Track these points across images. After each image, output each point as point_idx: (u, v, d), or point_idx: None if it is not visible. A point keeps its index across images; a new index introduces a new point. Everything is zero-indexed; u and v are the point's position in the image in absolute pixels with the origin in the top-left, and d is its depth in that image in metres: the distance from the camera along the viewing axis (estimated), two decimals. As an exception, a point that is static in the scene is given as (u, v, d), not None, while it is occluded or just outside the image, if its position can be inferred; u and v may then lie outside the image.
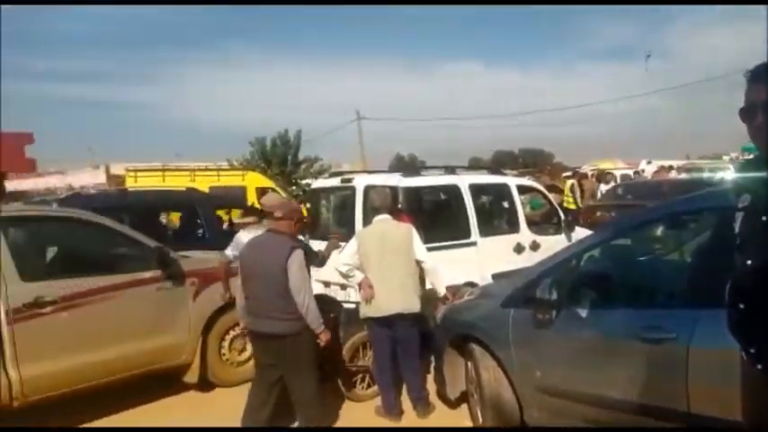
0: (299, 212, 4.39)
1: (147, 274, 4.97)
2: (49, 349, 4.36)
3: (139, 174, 14.84)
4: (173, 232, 8.61)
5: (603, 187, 14.91)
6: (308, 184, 23.92)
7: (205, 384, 5.38)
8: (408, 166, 51.85)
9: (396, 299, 4.51)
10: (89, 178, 23.12)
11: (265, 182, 16.66)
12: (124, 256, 5.09)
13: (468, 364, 4.35)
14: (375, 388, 5.10)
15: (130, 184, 14.02)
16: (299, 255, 3.95)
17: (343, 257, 4.67)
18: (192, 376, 5.26)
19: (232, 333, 5.50)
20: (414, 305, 4.57)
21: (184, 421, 4.74)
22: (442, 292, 4.80)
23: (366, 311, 4.61)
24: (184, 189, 9.20)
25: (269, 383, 4.11)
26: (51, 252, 5.13)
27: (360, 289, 4.65)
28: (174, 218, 9.74)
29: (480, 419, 4.18)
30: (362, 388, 5.07)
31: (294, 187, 23.54)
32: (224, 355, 5.47)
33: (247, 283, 4.09)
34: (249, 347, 5.28)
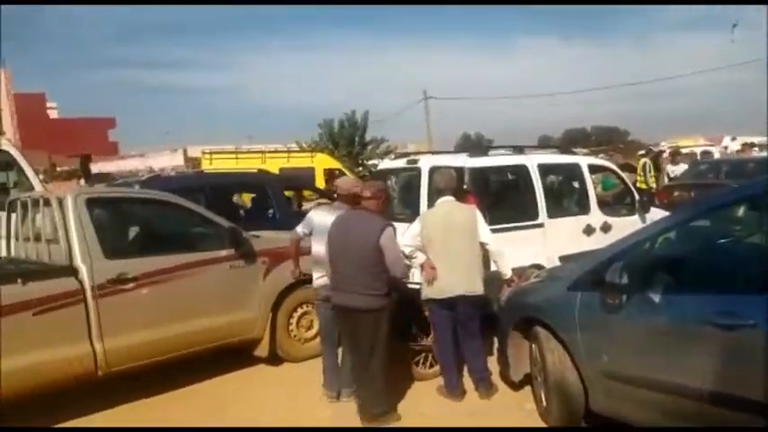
0: (384, 191, 4.61)
1: (222, 253, 5.19)
2: (131, 323, 4.65)
3: (214, 156, 15.45)
4: (244, 212, 8.90)
5: (671, 168, 13.81)
6: (375, 165, 24.11)
7: (274, 358, 5.58)
8: (475, 145, 51.10)
9: (459, 280, 4.49)
10: (168, 161, 24.25)
11: (333, 163, 16.93)
12: (200, 236, 5.33)
13: (533, 346, 4.30)
14: (437, 367, 5.15)
15: (206, 166, 14.63)
16: (390, 231, 4.17)
17: (406, 239, 4.66)
18: (262, 350, 5.47)
19: (300, 310, 5.67)
20: (477, 287, 4.54)
21: (258, 393, 4.98)
22: (507, 274, 4.76)
23: (428, 293, 4.61)
24: (256, 171, 9.49)
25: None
26: (133, 231, 5.44)
27: (422, 270, 4.65)
28: (246, 198, 10.07)
29: (544, 402, 4.15)
30: (424, 367, 5.11)
31: (360, 168, 23.76)
32: (292, 331, 5.65)
33: (335, 260, 4.31)
34: (316, 325, 5.43)
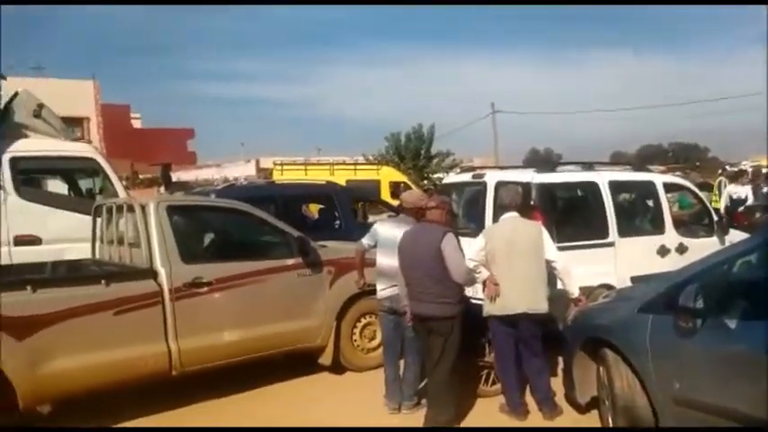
0: (448, 204, 4.70)
1: (290, 261, 5.35)
2: (204, 326, 4.86)
3: (285, 167, 15.92)
4: (312, 222, 9.12)
5: (733, 189, 11.75)
6: (440, 179, 24.11)
7: (338, 367, 5.66)
8: (544, 160, 50.07)
9: (522, 298, 4.44)
10: (241, 171, 25.17)
11: (399, 176, 17.06)
12: (270, 244, 5.52)
13: (600, 369, 4.18)
14: (499, 385, 5.08)
15: (277, 176, 15.07)
16: (451, 237, 4.29)
17: (471, 254, 4.61)
18: (326, 359, 5.58)
19: (363, 321, 5.75)
20: (541, 305, 4.48)
21: (320, 401, 5.07)
22: (574, 293, 4.66)
23: (490, 309, 4.57)
24: (324, 182, 9.71)
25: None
26: (208, 237, 5.70)
27: (484, 287, 4.62)
28: (313, 209, 10.31)
29: (611, 425, 4.01)
30: (486, 384, 5.05)
31: (426, 181, 23.80)
32: (355, 341, 5.74)
33: (406, 271, 4.43)
34: (378, 336, 5.49)
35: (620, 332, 3.92)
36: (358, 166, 17.08)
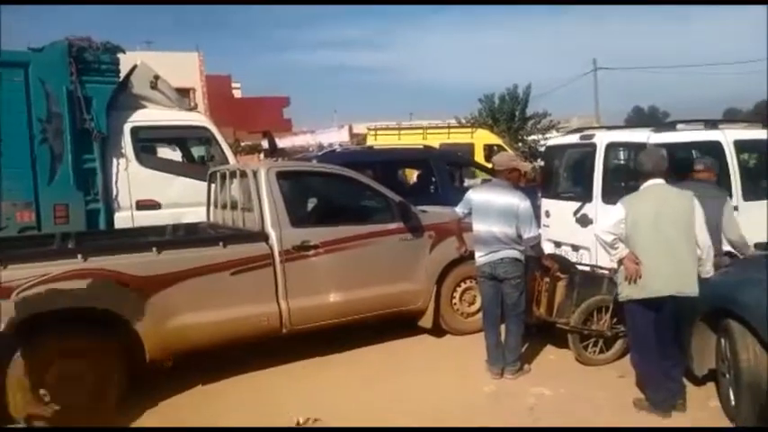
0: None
1: (392, 226, 5.41)
2: (312, 287, 5.03)
3: (379, 132, 15.99)
4: (409, 187, 9.15)
5: None
6: (535, 141, 23.31)
7: (438, 330, 5.72)
8: (649, 119, 46.99)
9: (670, 278, 3.89)
10: (335, 137, 25.54)
11: (493, 139, 16.68)
12: (373, 209, 5.61)
13: (722, 340, 3.95)
14: (609, 354, 4.94)
15: (371, 141, 15.19)
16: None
17: (608, 226, 4.10)
18: (426, 321, 5.64)
19: (464, 285, 5.75)
20: (692, 286, 3.90)
21: (420, 364, 5.16)
22: (709, 272, 4.06)
23: (630, 292, 4.02)
24: (421, 147, 9.68)
25: None
26: (314, 202, 5.86)
27: (619, 265, 4.10)
28: (410, 174, 10.33)
29: (732, 401, 3.81)
30: (594, 352, 4.95)
31: (520, 144, 23.11)
32: (455, 305, 5.75)
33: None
34: (478, 301, 5.46)
35: (748, 302, 3.67)
36: (451, 130, 16.86)
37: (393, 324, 5.69)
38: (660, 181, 4.06)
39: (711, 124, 6.02)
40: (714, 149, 5.76)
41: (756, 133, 6.28)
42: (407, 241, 5.48)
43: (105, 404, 4.18)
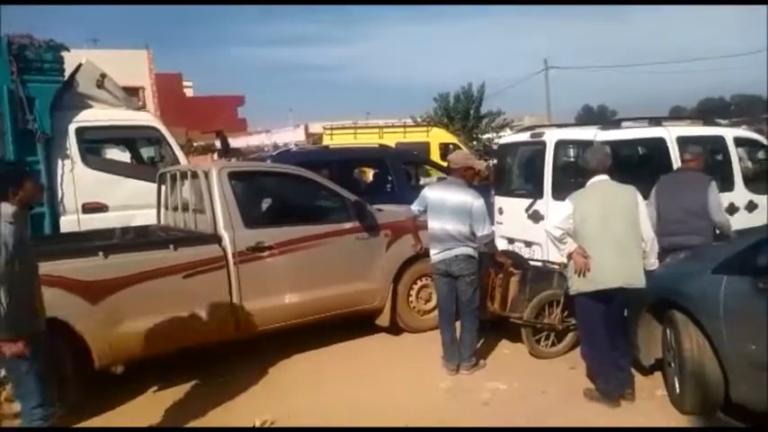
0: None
1: (348, 225, 5.40)
2: (267, 288, 4.97)
3: (335, 132, 15.95)
4: (365, 186, 9.15)
5: None
6: (490, 139, 23.67)
7: (395, 329, 5.74)
8: (598, 117, 48.36)
9: (618, 270, 3.97)
10: (290, 136, 25.35)
11: (449, 137, 16.84)
12: (328, 208, 5.58)
13: (667, 331, 4.09)
14: (560, 346, 5.06)
15: (327, 141, 15.13)
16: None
17: (557, 221, 4.20)
18: (383, 320, 5.65)
19: (420, 283, 5.78)
20: (639, 279, 4.00)
21: (378, 361, 5.17)
22: (654, 264, 4.17)
23: (579, 286, 4.09)
24: (377, 146, 9.70)
25: None
26: (268, 203, 5.80)
27: (569, 259, 4.16)
28: (366, 173, 10.33)
29: (677, 390, 3.95)
30: (546, 345, 5.07)
31: (475, 142, 23.42)
32: (411, 303, 5.78)
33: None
34: (434, 298, 5.51)
35: (691, 294, 3.82)
36: (407, 129, 16.94)
37: (350, 324, 5.68)
38: (605, 177, 4.17)
39: (655, 122, 6.22)
40: (658, 146, 5.97)
41: (698, 130, 6.54)
42: (363, 240, 5.48)
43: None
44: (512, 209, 6.67)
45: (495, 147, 19.16)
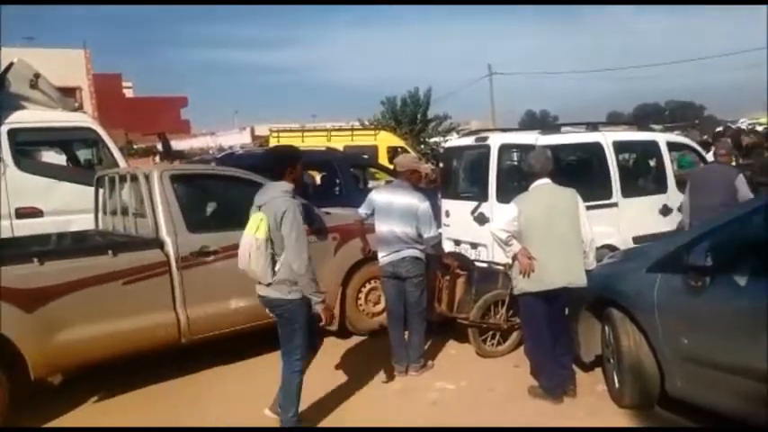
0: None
1: (295, 229, 5.32)
2: (212, 294, 4.86)
3: (281, 134, 15.79)
4: (313, 189, 9.08)
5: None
6: (437, 143, 24.00)
7: (343, 332, 5.72)
8: (541, 122, 49.74)
9: (561, 271, 4.08)
10: (236, 139, 24.94)
11: (396, 141, 16.98)
12: (274, 211, 5.48)
13: (606, 328, 4.24)
14: (505, 345, 5.17)
15: (273, 144, 14.94)
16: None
17: (502, 223, 4.29)
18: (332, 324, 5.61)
19: (368, 286, 5.78)
20: (581, 278, 4.12)
21: (328, 364, 5.14)
22: (592, 264, 4.29)
23: (524, 286, 4.19)
24: (324, 149, 9.65)
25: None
26: (212, 206, 5.67)
27: (513, 261, 4.26)
28: (313, 176, 10.25)
29: (617, 385, 4.10)
30: (492, 345, 5.16)
31: (423, 146, 23.68)
32: (360, 306, 5.78)
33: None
34: (383, 300, 5.52)
35: (627, 292, 3.97)
36: (355, 132, 16.96)
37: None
38: (547, 180, 4.29)
39: (593, 127, 6.47)
40: (595, 150, 6.20)
41: (632, 135, 6.83)
42: (312, 244, 5.39)
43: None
44: (458, 211, 6.77)
45: (441, 150, 19.44)
